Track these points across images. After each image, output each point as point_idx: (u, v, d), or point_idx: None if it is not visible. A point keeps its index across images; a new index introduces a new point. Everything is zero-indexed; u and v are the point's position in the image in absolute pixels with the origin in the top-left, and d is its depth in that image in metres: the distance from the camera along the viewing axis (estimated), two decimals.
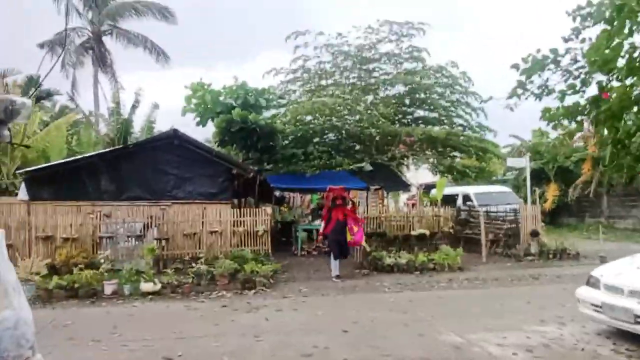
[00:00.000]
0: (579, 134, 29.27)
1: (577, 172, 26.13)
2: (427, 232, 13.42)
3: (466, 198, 19.71)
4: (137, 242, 11.82)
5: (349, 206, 12.03)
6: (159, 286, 9.77)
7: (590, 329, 6.52)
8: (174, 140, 12.83)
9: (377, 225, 13.47)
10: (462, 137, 15.04)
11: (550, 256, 13.85)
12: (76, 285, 9.40)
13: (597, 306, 6.05)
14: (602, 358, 5.52)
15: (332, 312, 7.92)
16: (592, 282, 6.35)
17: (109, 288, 9.56)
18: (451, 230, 14.19)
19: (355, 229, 11.31)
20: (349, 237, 11.38)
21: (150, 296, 9.45)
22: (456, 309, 7.96)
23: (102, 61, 30.33)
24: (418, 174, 20.58)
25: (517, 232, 14.60)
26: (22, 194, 12.10)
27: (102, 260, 10.54)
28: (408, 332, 6.64)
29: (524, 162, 15.14)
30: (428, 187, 23.52)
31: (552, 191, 25.23)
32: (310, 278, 11.51)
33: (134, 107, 21.00)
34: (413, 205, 20.08)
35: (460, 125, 16.43)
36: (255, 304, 8.64)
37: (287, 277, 11.58)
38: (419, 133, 14.49)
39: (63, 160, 12.67)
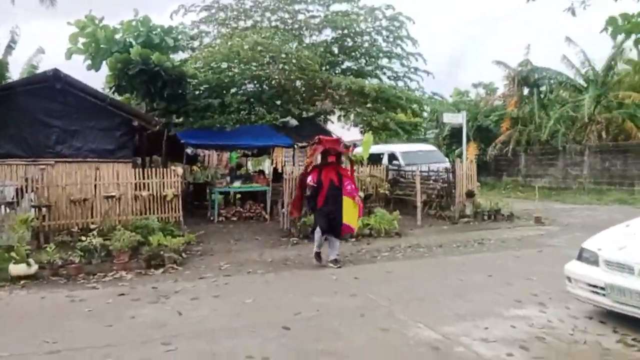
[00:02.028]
0: (499, 93, 29.59)
1: (495, 131, 26.24)
2: (362, 195, 12.06)
3: (392, 157, 18.70)
4: (8, 211, 9.33)
5: (346, 165, 8.76)
6: (34, 268, 7.57)
7: (576, 311, 5.46)
8: (56, 84, 10.25)
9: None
10: (395, 91, 13.68)
11: (485, 217, 13.20)
12: None
13: (596, 287, 4.93)
14: (612, 354, 4.40)
15: (265, 298, 6.28)
16: (587, 257, 5.22)
17: None
18: (387, 192, 12.98)
19: (357, 197, 8.26)
20: (349, 209, 8.09)
21: (23, 281, 7.26)
22: (413, 289, 6.65)
23: None
24: (344, 131, 19.18)
25: (450, 193, 13.77)
26: None
27: None
28: (366, 325, 5.18)
29: (461, 119, 14.16)
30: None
31: (472, 150, 25.09)
32: (231, 250, 9.77)
33: (9, 47, 17.52)
34: None
35: (394, 76, 15.08)
36: (163, 289, 6.79)
37: (202, 249, 9.75)
38: (348, 84, 12.89)
39: None
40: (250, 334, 4.93)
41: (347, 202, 8.10)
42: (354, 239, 10.51)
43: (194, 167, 17.77)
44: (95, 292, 6.72)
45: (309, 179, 8.15)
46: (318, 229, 8.09)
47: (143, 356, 4.44)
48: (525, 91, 24.33)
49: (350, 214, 8.17)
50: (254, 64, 13.93)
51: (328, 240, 8.20)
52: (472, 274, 7.42)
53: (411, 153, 18.52)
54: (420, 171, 14.07)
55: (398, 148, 19.55)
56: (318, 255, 8.14)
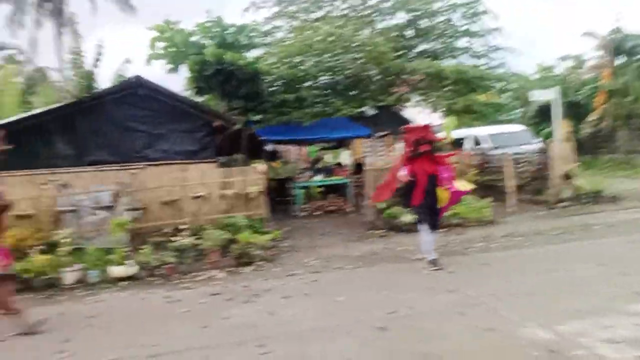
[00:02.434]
0: (588, 64, 27.37)
1: (588, 106, 24.26)
2: (464, 184, 11.50)
3: (475, 141, 17.80)
4: (106, 215, 9.78)
5: (439, 152, 8.00)
6: (133, 269, 7.88)
7: None
8: (138, 90, 10.60)
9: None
10: (476, 71, 12.91)
11: (585, 200, 12.13)
12: (27, 276, 7.46)
13: None
14: None
15: (356, 296, 6.06)
16: None
17: (70, 276, 7.64)
18: (477, 179, 12.27)
19: (453, 185, 7.33)
20: (442, 198, 7.29)
21: (122, 282, 7.56)
22: (515, 283, 6.14)
23: (60, 15, 27.28)
24: (423, 116, 18.52)
25: (545, 175, 12.82)
26: None
27: (63, 240, 8.52)
28: (469, 325, 4.81)
29: (553, 94, 13.09)
30: None
31: (564, 128, 23.38)
32: (317, 245, 9.65)
33: (97, 59, 18.50)
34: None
35: (474, 55, 14.26)
36: (254, 287, 6.77)
37: (289, 245, 9.72)
38: (425, 68, 12.31)
39: (5, 121, 10.41)
40: (344, 335, 4.73)
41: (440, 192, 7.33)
42: (443, 230, 10.05)
43: (274, 163, 17.91)
44: (189, 292, 6.83)
45: (402, 172, 7.20)
46: (425, 227, 7.20)
47: (239, 359, 4.37)
48: (619, 61, 22.28)
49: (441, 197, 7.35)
50: (327, 55, 13.73)
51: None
52: (580, 263, 6.77)
53: (498, 135, 17.50)
54: (511, 154, 13.25)
55: (483, 131, 18.58)
56: (435, 261, 7.11)
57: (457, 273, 6.72)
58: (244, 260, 8.33)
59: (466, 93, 13.67)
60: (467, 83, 12.83)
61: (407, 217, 10.36)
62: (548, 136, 25.90)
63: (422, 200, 7.16)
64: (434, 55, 14.51)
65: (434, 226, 7.30)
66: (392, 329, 4.82)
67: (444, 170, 7.27)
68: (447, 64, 14.01)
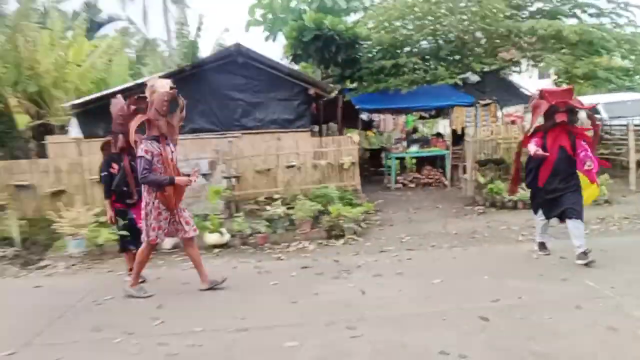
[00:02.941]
0: None
1: None
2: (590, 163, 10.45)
3: (592, 110, 16.05)
4: (204, 182, 10.04)
5: (582, 125, 6.68)
6: (227, 237, 7.99)
7: None
8: (238, 58, 10.63)
9: (491, 150, 10.69)
10: (601, 32, 11.38)
11: None
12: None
13: None
14: None
15: (454, 279, 5.60)
16: None
17: (168, 241, 7.89)
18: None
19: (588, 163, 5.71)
20: (585, 184, 5.95)
21: (217, 250, 7.70)
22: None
23: None
24: (532, 84, 17.01)
25: None
26: (75, 130, 10.66)
27: None
28: (587, 322, 4.21)
29: None
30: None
31: None
32: (411, 220, 9.23)
33: (199, 29, 19.04)
34: (513, 122, 16.73)
35: (598, 13, 12.61)
36: (345, 262, 6.54)
37: (381, 219, 9.38)
38: (543, 27, 11.06)
39: (114, 89, 10.93)
40: (443, 324, 4.34)
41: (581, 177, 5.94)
42: None
43: (369, 133, 17.49)
44: (280, 264, 6.76)
45: (531, 147, 5.93)
46: (540, 214, 6.22)
47: (328, 340, 4.15)
48: None
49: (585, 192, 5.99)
50: (429, 17, 12.87)
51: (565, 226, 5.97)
52: None
53: (616, 104, 15.68)
54: (635, 124, 11.76)
55: (598, 99, 16.74)
56: (542, 245, 6.38)
57: (569, 259, 5.97)
58: (335, 232, 8.13)
59: (587, 56, 12.19)
60: (590, 45, 11.39)
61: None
62: None
63: (545, 181, 5.91)
64: (550, 14, 13.05)
65: (562, 215, 5.92)
66: (496, 320, 4.35)
67: (582, 147, 5.78)
68: (567, 23, 12.54)
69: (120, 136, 5.80)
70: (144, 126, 5.33)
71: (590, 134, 6.21)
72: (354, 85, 13.28)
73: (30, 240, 8.69)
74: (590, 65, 11.21)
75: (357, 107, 12.54)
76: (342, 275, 5.98)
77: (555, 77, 14.18)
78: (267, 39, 13.41)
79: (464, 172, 11.96)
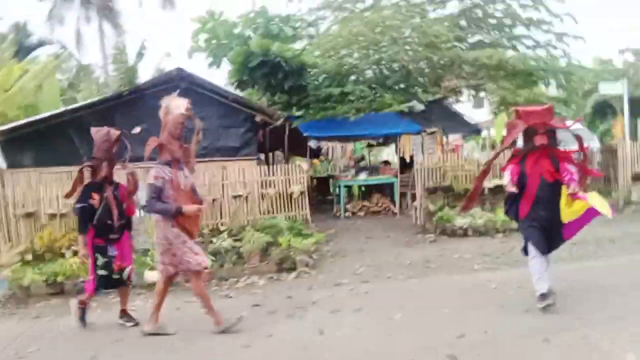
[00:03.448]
0: None
1: None
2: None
3: None
4: (142, 214, 9.38)
5: (565, 147, 5.55)
6: None
7: None
8: (180, 83, 10.13)
9: (440, 177, 10.72)
10: (541, 63, 11.86)
11: None
12: (59, 279, 7.08)
13: None
14: None
15: (414, 313, 5.33)
16: None
17: None
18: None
19: (585, 195, 4.90)
20: (566, 212, 4.97)
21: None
22: (619, 302, 5.25)
23: (107, 10, 27.62)
24: (474, 111, 17.54)
25: (609, 177, 11.77)
26: None
27: None
28: (556, 356, 4.03)
29: (620, 88, 11.98)
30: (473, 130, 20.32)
31: (620, 126, 21.81)
32: (363, 250, 8.99)
33: (140, 54, 18.42)
34: (453, 150, 17.14)
35: (534, 45, 13.16)
36: (298, 298, 6.14)
37: (333, 249, 9.09)
38: (487, 56, 11.36)
39: (43, 115, 10.18)
40: None
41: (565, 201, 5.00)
42: (501, 235, 9.26)
43: (315, 161, 17.33)
44: (228, 302, 6.26)
45: (505, 177, 5.35)
46: (532, 250, 5.11)
47: None
48: None
49: (570, 208, 4.99)
50: (374, 47, 12.98)
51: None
52: None
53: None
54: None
55: None
56: (544, 296, 4.96)
57: (523, 287, 5.83)
58: (286, 265, 7.73)
59: (525, 86, 12.65)
60: (529, 75, 11.82)
61: (460, 221, 9.61)
62: (604, 134, 24.37)
63: (528, 211, 5.16)
64: (489, 46, 13.52)
65: (550, 246, 5.19)
66: (464, 357, 4.09)
67: (569, 170, 5.02)
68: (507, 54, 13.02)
69: (104, 164, 5.27)
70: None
71: (575, 156, 5.49)
72: (301, 112, 13.09)
73: None
74: (532, 95, 11.60)
75: (304, 134, 12.32)
76: (297, 313, 5.57)
77: (493, 106, 14.66)
78: (210, 65, 13.04)
79: (413, 199, 11.94)
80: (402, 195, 12.94)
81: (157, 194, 4.72)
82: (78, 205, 5.25)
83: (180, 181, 4.88)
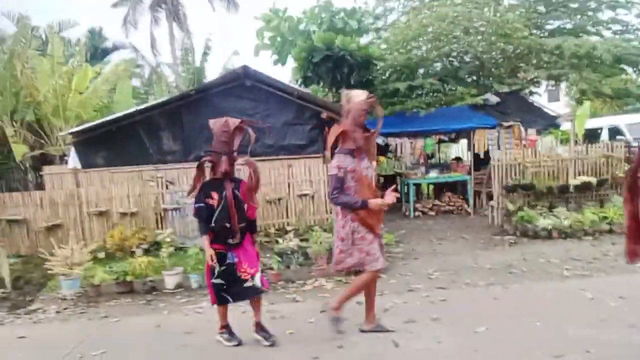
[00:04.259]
0: None
1: None
2: (594, 180, 9.69)
3: (614, 131, 15.35)
4: None
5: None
6: None
7: None
8: (245, 81, 10.04)
9: (519, 174, 9.94)
10: (632, 48, 10.73)
11: None
12: (129, 278, 7.09)
13: None
14: None
15: (501, 326, 4.78)
16: None
17: (170, 280, 7.14)
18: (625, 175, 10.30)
19: None
20: None
21: None
22: None
23: (176, 15, 28.50)
24: (553, 104, 16.33)
25: None
26: (73, 161, 10.04)
27: (167, 239, 8.12)
28: None
29: None
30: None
31: None
32: (437, 252, 8.43)
33: (205, 54, 18.73)
34: (526, 146, 15.94)
35: (622, 30, 12.01)
36: None
37: (404, 251, 8.61)
38: (572, 45, 10.40)
39: (114, 116, 10.36)
40: None
41: None
42: (590, 237, 8.43)
43: (380, 158, 16.79)
44: (295, 307, 5.97)
45: None
46: None
47: None
48: None
49: None
50: (444, 38, 12.31)
51: None
52: None
53: (636, 125, 15.04)
54: None
55: (624, 119, 16.06)
56: None
57: (628, 298, 5.16)
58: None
59: (612, 75, 11.53)
60: (618, 61, 10.73)
61: (543, 221, 8.84)
62: None
63: None
64: (571, 32, 12.48)
65: None
66: None
67: None
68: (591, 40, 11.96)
69: (224, 158, 4.58)
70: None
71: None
72: None
73: (23, 280, 7.99)
74: (621, 83, 10.51)
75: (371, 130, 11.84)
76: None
77: (575, 97, 13.52)
78: (275, 62, 12.88)
79: (488, 198, 11.21)
80: (476, 193, 12.21)
81: (340, 184, 4.42)
82: (195, 205, 4.63)
83: (363, 171, 4.53)
